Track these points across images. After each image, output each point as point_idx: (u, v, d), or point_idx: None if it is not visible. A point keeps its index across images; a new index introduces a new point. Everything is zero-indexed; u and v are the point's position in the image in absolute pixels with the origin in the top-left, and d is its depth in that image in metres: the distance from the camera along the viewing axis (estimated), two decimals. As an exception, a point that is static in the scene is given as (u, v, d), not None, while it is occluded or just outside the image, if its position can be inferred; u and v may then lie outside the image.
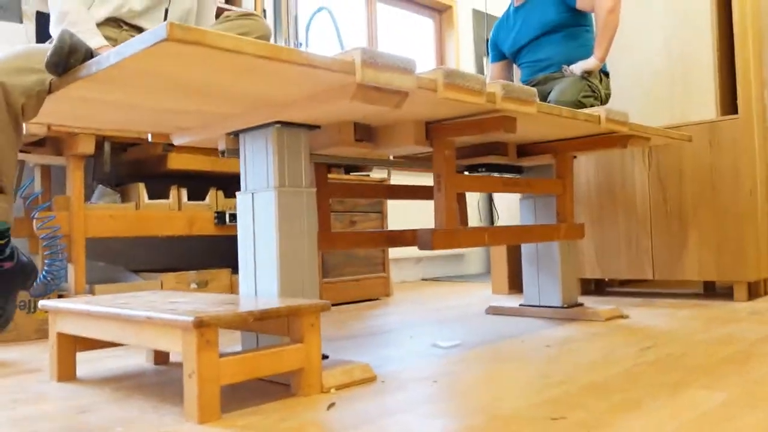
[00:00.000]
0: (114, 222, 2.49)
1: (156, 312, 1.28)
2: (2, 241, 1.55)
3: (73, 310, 1.53)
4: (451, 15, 5.12)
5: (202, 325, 1.19)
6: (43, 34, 2.93)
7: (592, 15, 2.78)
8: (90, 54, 1.35)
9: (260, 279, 1.58)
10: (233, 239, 3.16)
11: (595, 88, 2.65)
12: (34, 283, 1.72)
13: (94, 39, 1.64)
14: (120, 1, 1.78)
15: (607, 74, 2.78)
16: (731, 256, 2.73)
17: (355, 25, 4.64)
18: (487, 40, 5.23)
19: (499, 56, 3.04)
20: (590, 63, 2.63)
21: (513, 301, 2.88)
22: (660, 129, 2.36)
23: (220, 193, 2.82)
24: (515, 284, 3.44)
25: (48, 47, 1.53)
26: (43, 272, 2.31)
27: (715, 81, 2.82)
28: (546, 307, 2.51)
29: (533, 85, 2.82)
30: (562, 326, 2.25)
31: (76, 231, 2.39)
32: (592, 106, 2.60)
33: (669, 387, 1.34)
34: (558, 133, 2.14)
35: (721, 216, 2.76)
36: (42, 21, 2.94)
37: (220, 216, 2.79)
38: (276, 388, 1.45)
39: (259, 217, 1.58)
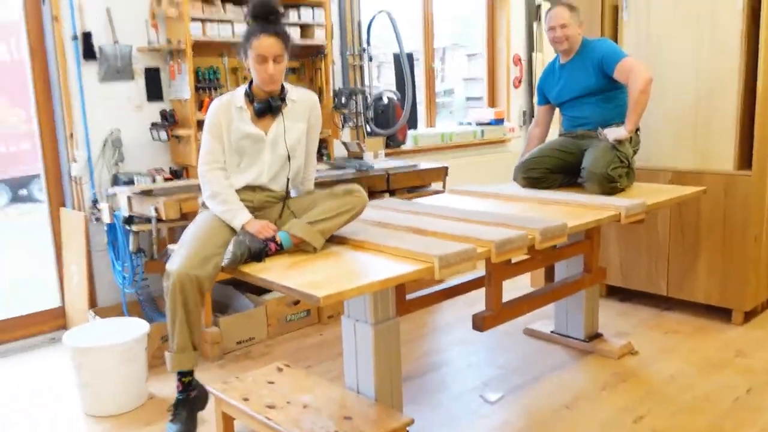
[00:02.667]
0: (228, 266, 3.14)
1: None
2: (189, 378, 2.21)
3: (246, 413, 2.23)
4: (503, -15, 5.29)
5: None
6: (152, 88, 3.44)
7: None
8: (257, 255, 1.95)
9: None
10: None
11: (624, 157, 3.01)
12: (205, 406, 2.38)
13: (242, 214, 2.15)
14: (255, 174, 2.25)
15: (637, 130, 3.15)
16: (733, 287, 3.26)
17: (412, 7, 4.90)
18: (538, 9, 5.43)
19: (545, 101, 3.41)
20: (621, 134, 3.00)
21: (546, 314, 3.49)
22: (672, 200, 2.85)
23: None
24: (550, 277, 4.03)
25: (215, 227, 2.11)
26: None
27: (736, 137, 3.20)
28: (572, 338, 3.13)
29: (573, 137, 3.21)
30: (583, 367, 2.88)
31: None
32: (620, 176, 2.99)
33: (642, 488, 2.00)
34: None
35: (728, 254, 3.26)
36: (149, 75, 3.43)
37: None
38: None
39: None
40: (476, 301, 3.69)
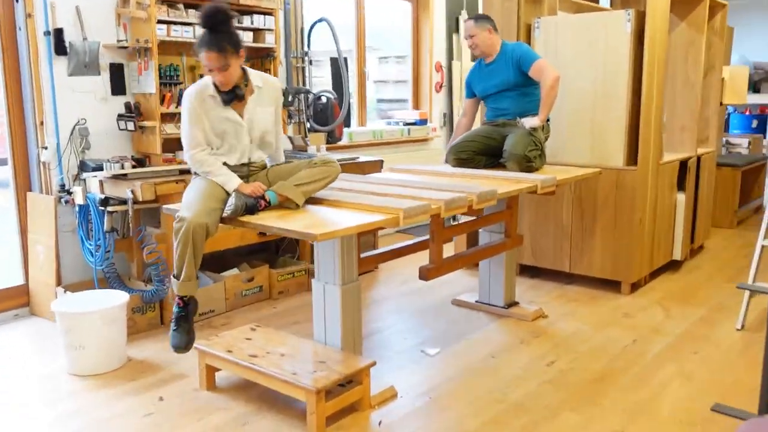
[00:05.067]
0: (193, 245, 3.48)
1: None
2: (188, 297, 2.55)
3: (219, 357, 2.62)
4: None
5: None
6: (117, 83, 3.72)
7: None
8: (251, 209, 2.38)
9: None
10: (269, 242, 4.18)
11: (538, 141, 3.62)
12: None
13: (234, 180, 2.52)
14: (237, 156, 2.62)
15: (548, 120, 3.75)
16: (622, 263, 3.94)
17: (346, 15, 5.35)
18: (457, 21, 6.02)
19: (472, 94, 3.96)
20: (535, 122, 3.58)
21: (474, 290, 4.05)
22: (576, 177, 3.49)
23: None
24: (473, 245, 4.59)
25: (214, 186, 2.49)
26: (155, 287, 3.35)
27: (624, 139, 3.88)
28: (493, 305, 3.69)
29: (495, 126, 3.78)
30: (504, 328, 3.45)
31: (172, 257, 3.39)
32: (534, 157, 3.58)
33: (551, 410, 2.56)
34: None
35: (619, 234, 3.93)
36: (114, 70, 3.71)
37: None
38: (343, 403, 2.60)
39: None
40: (408, 279, 4.23)
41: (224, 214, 2.44)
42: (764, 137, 7.86)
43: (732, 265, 4.69)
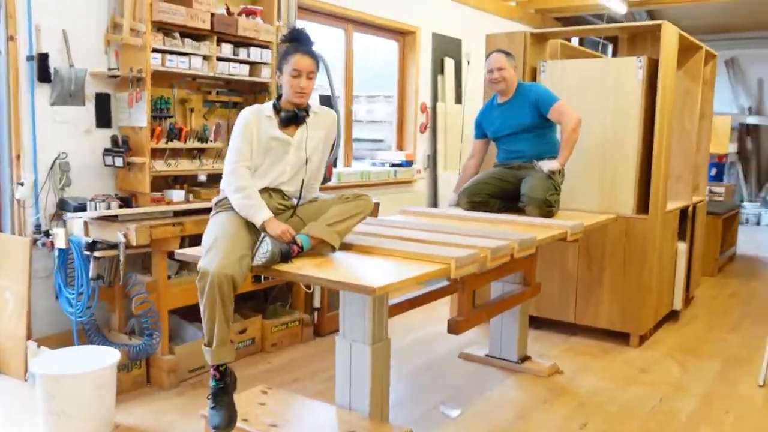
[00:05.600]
0: (186, 294, 3.17)
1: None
2: (225, 366, 2.25)
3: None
4: (414, 39, 5.74)
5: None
6: (102, 114, 3.41)
7: None
8: (285, 256, 2.12)
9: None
10: (264, 291, 3.88)
11: (557, 185, 3.48)
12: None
13: (265, 211, 2.28)
14: (275, 175, 2.42)
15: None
16: (631, 314, 3.81)
17: (336, 49, 5.18)
18: (442, 62, 5.93)
19: (482, 135, 3.79)
20: (554, 165, 3.44)
21: (478, 342, 3.84)
22: (600, 222, 3.39)
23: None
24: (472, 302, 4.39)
25: (239, 227, 2.24)
26: (143, 341, 3.01)
27: (635, 187, 3.79)
28: (505, 360, 3.48)
29: (509, 168, 3.62)
30: (522, 385, 3.24)
31: (163, 307, 3.06)
32: (555, 202, 3.43)
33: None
34: (533, 261, 3.04)
35: (628, 284, 3.81)
36: (99, 101, 3.41)
37: (256, 276, 3.50)
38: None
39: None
40: (405, 330, 3.98)
41: (255, 263, 2.16)
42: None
43: (727, 315, 4.63)
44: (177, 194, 3.48)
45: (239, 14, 3.80)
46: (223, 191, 2.41)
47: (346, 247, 2.38)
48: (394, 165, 5.52)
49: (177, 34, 3.45)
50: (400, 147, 5.91)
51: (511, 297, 3.17)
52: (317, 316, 3.92)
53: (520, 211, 3.41)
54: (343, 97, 5.24)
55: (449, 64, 6.09)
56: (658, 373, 3.46)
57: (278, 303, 3.99)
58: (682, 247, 4.36)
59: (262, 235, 2.21)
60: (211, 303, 2.08)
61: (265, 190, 2.41)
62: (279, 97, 2.50)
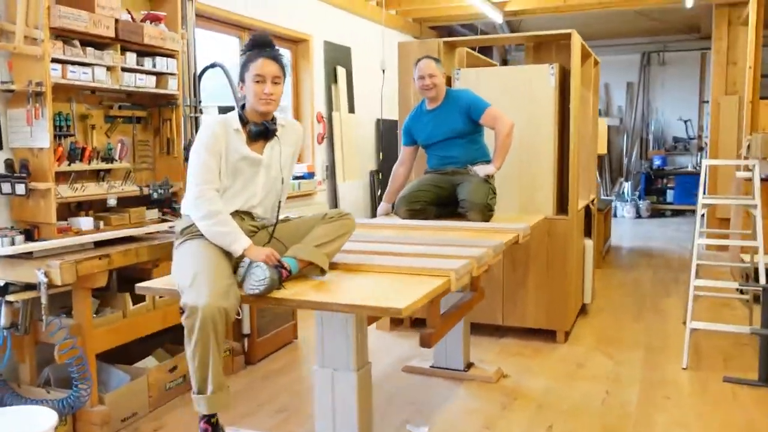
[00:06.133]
0: (113, 334, 2.82)
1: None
2: (216, 418, 1.98)
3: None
4: (307, 47, 5.59)
5: None
6: (-8, 135, 2.94)
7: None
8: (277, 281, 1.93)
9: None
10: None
11: (494, 189, 3.51)
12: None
13: (243, 238, 2.07)
14: (247, 197, 2.23)
15: None
16: (556, 312, 3.94)
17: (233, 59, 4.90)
18: (335, 71, 5.83)
19: (412, 142, 3.75)
20: (491, 170, 3.46)
21: (413, 355, 3.77)
22: (537, 223, 3.49)
23: (184, 286, 3.22)
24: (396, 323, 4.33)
25: (215, 255, 2.03)
26: (73, 393, 2.62)
27: (553, 190, 3.93)
28: (451, 369, 3.45)
29: (443, 174, 3.60)
30: (475, 393, 3.22)
31: (90, 352, 2.69)
32: (494, 205, 3.45)
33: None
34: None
35: (551, 284, 3.94)
36: None
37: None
38: None
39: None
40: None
41: (250, 291, 1.93)
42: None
43: (624, 305, 4.94)
44: (85, 222, 3.07)
45: (143, 20, 3.46)
46: (187, 217, 2.15)
47: (330, 266, 2.22)
48: (297, 177, 5.33)
49: (77, 42, 3.06)
50: (298, 158, 5.72)
51: (464, 304, 3.14)
52: (247, 343, 3.65)
53: (459, 216, 3.40)
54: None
55: (341, 72, 6.00)
56: (593, 367, 3.59)
57: (202, 333, 3.66)
58: (589, 243, 4.59)
59: (247, 260, 1.99)
60: (203, 342, 1.84)
61: (235, 213, 2.19)
62: (242, 107, 2.29)
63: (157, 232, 3.20)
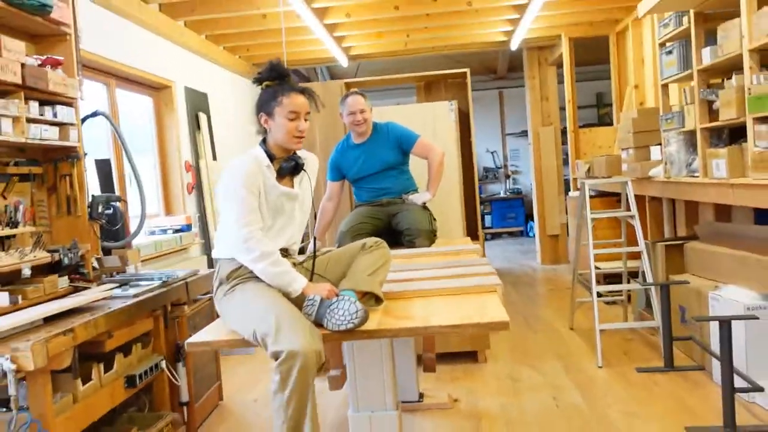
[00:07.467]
0: (77, 420, 2.44)
1: None
2: None
3: None
4: (170, 93, 5.30)
5: None
6: None
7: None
8: None
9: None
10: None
11: (432, 215, 3.65)
12: None
13: (299, 278, 1.97)
14: (287, 237, 2.15)
15: None
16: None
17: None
18: (197, 118, 5.62)
19: (340, 177, 3.77)
20: (427, 197, 3.63)
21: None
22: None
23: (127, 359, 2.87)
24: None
25: (277, 296, 1.96)
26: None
27: (462, 216, 4.17)
28: (407, 402, 3.46)
29: (378, 206, 3.67)
30: (437, 423, 3.26)
31: (54, 445, 2.28)
32: (436, 229, 3.59)
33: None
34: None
35: (470, 307, 4.14)
36: None
37: (130, 380, 2.86)
38: None
39: None
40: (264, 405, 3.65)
41: (343, 327, 1.85)
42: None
43: (517, 318, 5.30)
44: (1, 298, 2.63)
45: (41, 65, 3.07)
46: (229, 261, 1.99)
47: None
48: (177, 231, 4.98)
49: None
50: (168, 211, 5.36)
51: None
52: (187, 411, 3.33)
53: (401, 245, 3.48)
54: (114, 159, 4.57)
55: (203, 119, 5.78)
56: (526, 379, 3.83)
57: (132, 409, 3.26)
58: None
59: (317, 297, 1.90)
60: (301, 389, 1.71)
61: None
62: (264, 141, 2.20)
63: (97, 300, 2.82)
